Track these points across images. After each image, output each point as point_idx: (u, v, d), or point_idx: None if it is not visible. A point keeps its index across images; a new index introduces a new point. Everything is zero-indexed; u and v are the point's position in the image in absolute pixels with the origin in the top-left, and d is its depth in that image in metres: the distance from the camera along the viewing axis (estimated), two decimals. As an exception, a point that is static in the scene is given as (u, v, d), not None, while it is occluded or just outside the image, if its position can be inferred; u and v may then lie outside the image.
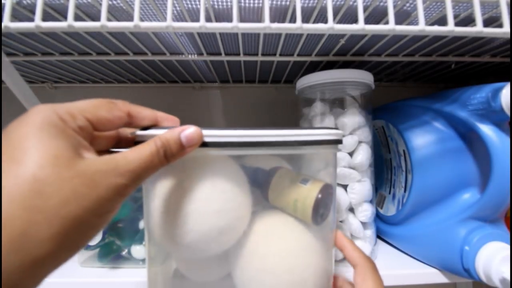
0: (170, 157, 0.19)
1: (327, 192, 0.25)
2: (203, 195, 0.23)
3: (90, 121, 0.18)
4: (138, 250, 0.37)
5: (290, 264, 0.24)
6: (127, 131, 0.23)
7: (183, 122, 0.24)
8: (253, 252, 0.25)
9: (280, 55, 0.43)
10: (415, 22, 0.33)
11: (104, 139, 0.21)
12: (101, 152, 0.19)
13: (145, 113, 0.21)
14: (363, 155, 0.38)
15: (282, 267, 0.24)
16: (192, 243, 0.23)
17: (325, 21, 0.25)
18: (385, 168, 0.46)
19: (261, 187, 0.27)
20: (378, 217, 0.46)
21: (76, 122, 0.17)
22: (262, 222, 0.26)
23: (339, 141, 0.26)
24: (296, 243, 0.25)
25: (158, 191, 0.24)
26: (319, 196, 0.24)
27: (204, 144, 0.21)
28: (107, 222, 0.17)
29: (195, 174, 0.23)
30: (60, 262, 0.15)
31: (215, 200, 0.23)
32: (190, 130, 0.20)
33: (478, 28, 0.25)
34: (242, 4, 0.30)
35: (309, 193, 0.25)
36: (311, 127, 0.25)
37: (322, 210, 0.25)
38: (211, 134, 0.21)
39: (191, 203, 0.22)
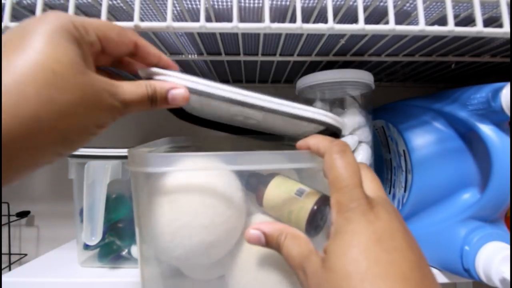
0: (153, 105, 0.20)
1: (322, 205, 0.24)
2: (191, 210, 0.23)
3: (99, 40, 0.18)
4: (138, 250, 0.37)
5: (281, 276, 0.23)
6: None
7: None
8: (246, 262, 0.25)
9: (280, 55, 0.43)
10: (415, 22, 0.33)
11: (105, 62, 0.21)
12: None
13: (151, 49, 0.22)
14: (363, 155, 0.38)
15: (274, 278, 0.23)
16: (182, 256, 0.23)
17: (325, 21, 0.25)
18: (385, 168, 0.46)
19: (256, 192, 0.27)
20: (378, 217, 0.46)
21: (88, 37, 0.18)
22: None
23: (337, 129, 0.25)
24: None
25: (149, 205, 0.24)
26: (314, 208, 0.24)
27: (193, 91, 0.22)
28: (95, 135, 0.18)
29: (185, 189, 0.23)
30: (54, 155, 0.16)
31: (203, 215, 0.23)
32: (178, 91, 0.21)
33: (478, 28, 0.25)
34: (242, 4, 0.30)
35: (304, 205, 0.24)
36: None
37: (316, 223, 0.24)
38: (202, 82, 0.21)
39: (180, 218, 0.22)
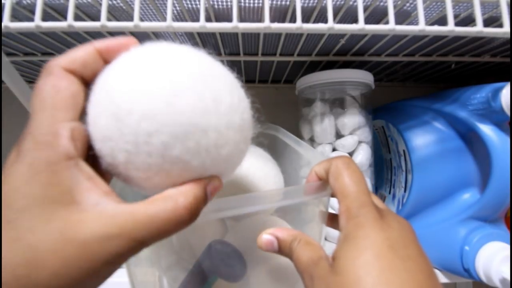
0: None
1: None
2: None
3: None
4: (138, 250, 0.37)
5: None
6: None
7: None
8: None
9: (280, 55, 0.43)
10: (415, 22, 0.33)
11: None
12: None
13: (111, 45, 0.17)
14: (363, 155, 0.38)
15: None
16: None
17: (325, 21, 0.25)
18: (385, 168, 0.46)
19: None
20: (378, 217, 0.46)
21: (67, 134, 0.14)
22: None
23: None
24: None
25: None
26: None
27: None
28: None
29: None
30: None
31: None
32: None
33: (478, 28, 0.25)
34: (242, 4, 0.30)
35: None
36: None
37: None
38: None
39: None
